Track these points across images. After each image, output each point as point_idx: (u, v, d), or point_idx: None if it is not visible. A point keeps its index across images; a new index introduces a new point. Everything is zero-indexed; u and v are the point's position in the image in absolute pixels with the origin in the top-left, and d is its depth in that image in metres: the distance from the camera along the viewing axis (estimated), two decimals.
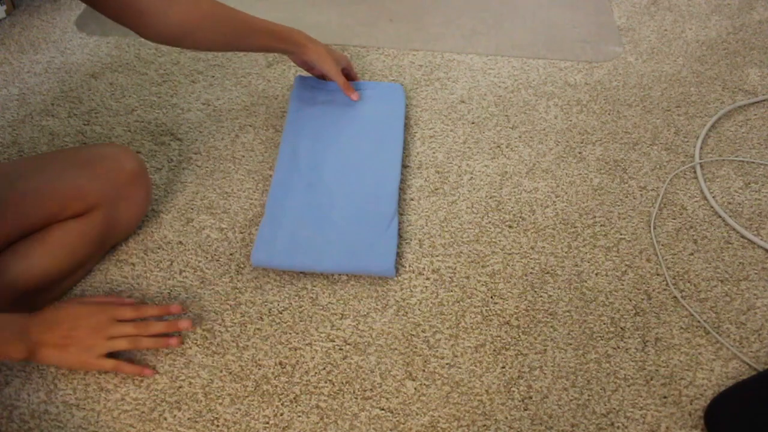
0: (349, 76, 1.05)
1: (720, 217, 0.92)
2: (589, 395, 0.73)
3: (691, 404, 0.72)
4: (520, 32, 1.27)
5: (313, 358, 0.77)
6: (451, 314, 0.81)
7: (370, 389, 0.74)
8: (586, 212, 0.93)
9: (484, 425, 0.71)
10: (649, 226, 0.91)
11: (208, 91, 1.14)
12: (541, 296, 0.83)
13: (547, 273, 0.85)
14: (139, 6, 0.75)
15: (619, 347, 0.77)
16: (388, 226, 0.86)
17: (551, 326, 0.80)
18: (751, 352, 0.77)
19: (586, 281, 0.84)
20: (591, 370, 0.75)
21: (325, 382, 0.75)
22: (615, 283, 0.84)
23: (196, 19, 0.82)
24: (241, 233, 0.90)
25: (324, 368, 0.76)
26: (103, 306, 0.73)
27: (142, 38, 0.81)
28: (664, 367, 0.75)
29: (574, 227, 0.91)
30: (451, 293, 0.83)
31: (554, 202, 0.94)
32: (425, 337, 0.79)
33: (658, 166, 0.99)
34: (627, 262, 0.86)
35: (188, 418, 0.72)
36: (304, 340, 0.78)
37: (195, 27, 0.82)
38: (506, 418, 0.71)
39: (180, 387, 0.74)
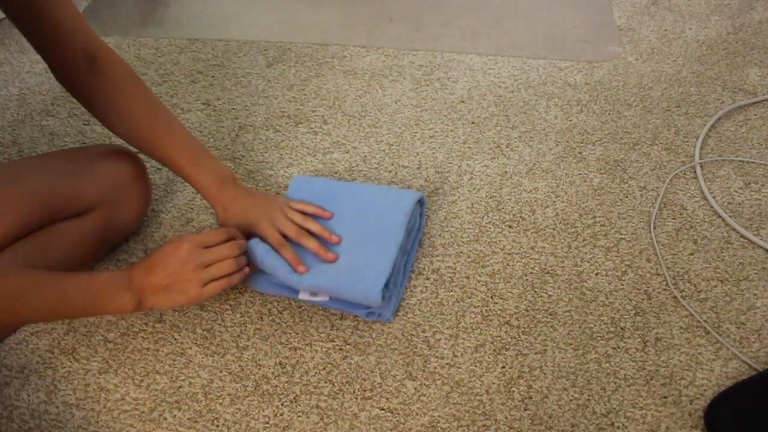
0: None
1: (720, 217, 0.92)
2: (589, 395, 0.73)
3: (691, 404, 0.72)
4: (520, 32, 1.27)
5: (313, 358, 0.77)
6: (451, 314, 0.81)
7: (370, 389, 0.74)
8: (586, 212, 0.93)
9: (484, 425, 0.71)
10: (649, 226, 0.91)
11: (208, 91, 1.14)
12: (541, 296, 0.83)
13: (547, 273, 0.85)
14: (59, 51, 0.72)
15: (619, 347, 0.77)
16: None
17: (551, 326, 0.80)
18: (751, 352, 0.77)
19: (586, 281, 0.84)
20: (591, 370, 0.75)
21: (325, 382, 0.75)
22: (615, 283, 0.84)
23: (114, 91, 0.76)
24: None
25: (324, 368, 0.76)
26: (185, 236, 0.72)
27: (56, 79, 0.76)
28: (664, 367, 0.75)
29: (574, 227, 0.91)
30: (451, 293, 0.83)
31: (554, 202, 0.94)
32: (425, 337, 0.79)
33: (658, 166, 0.99)
34: (627, 262, 0.86)
35: (188, 418, 0.72)
36: (304, 340, 0.78)
37: (106, 102, 0.76)
38: (506, 418, 0.71)
39: (180, 387, 0.74)
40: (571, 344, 0.78)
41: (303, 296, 0.77)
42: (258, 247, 0.77)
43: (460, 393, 0.73)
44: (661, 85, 1.14)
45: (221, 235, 0.73)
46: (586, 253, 0.88)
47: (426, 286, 0.84)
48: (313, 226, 0.80)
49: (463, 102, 1.11)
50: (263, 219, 0.80)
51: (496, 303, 0.82)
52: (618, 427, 0.70)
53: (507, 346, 0.78)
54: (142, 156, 1.00)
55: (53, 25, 0.70)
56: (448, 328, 0.79)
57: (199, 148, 0.81)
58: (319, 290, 0.76)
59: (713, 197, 0.94)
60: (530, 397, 0.73)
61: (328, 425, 0.71)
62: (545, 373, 0.75)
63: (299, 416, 0.72)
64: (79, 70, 0.74)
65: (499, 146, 1.03)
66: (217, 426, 0.71)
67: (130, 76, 0.78)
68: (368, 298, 0.74)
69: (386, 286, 0.76)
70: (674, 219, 0.92)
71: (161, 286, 0.68)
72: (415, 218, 0.86)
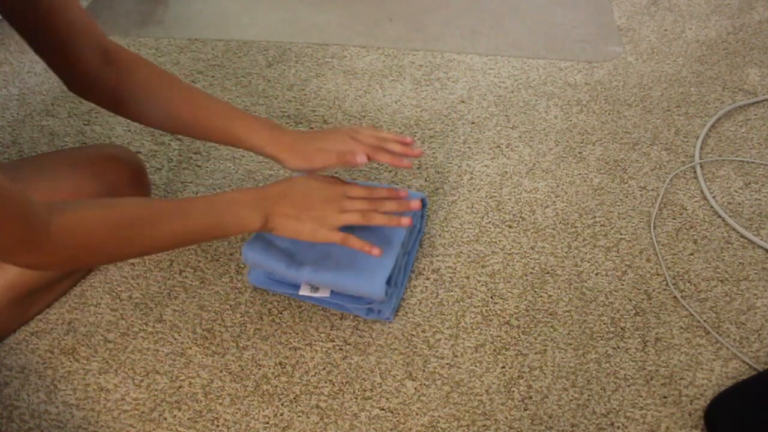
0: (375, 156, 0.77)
1: (720, 217, 0.92)
2: (589, 395, 0.73)
3: (691, 404, 0.72)
4: (520, 32, 1.27)
5: (313, 358, 0.77)
6: (451, 314, 0.81)
7: (370, 389, 0.74)
8: (586, 212, 0.93)
9: (484, 425, 0.71)
10: (649, 226, 0.91)
11: (208, 91, 1.14)
12: (541, 296, 0.83)
13: (547, 273, 0.85)
14: (74, 52, 0.69)
15: (619, 347, 0.77)
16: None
17: (551, 326, 0.80)
18: (751, 352, 0.77)
19: (586, 281, 0.84)
20: (591, 370, 0.75)
21: (325, 382, 0.75)
22: (615, 283, 0.84)
23: (136, 77, 0.74)
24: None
25: (324, 368, 0.76)
26: (334, 180, 0.73)
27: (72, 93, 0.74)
28: (664, 367, 0.75)
29: (574, 227, 0.91)
30: (451, 293, 0.83)
31: (554, 202, 0.94)
32: (425, 337, 0.79)
33: (658, 166, 0.99)
34: (627, 262, 0.86)
35: (188, 418, 0.72)
36: (304, 340, 0.78)
37: (132, 91, 0.74)
38: (506, 418, 0.71)
39: (180, 387, 0.74)
40: (571, 344, 0.78)
41: (303, 292, 0.77)
42: (254, 245, 0.77)
43: (460, 393, 0.73)
44: (661, 85, 1.14)
45: (367, 190, 0.73)
46: (586, 253, 0.88)
47: (426, 286, 0.84)
48: (391, 144, 0.76)
49: (463, 102, 1.11)
50: (341, 137, 0.75)
51: (496, 303, 0.82)
52: (618, 427, 0.70)
53: (507, 346, 0.78)
54: (142, 156, 1.01)
55: (66, 28, 0.68)
56: (448, 328, 0.79)
57: (237, 109, 0.78)
58: (320, 283, 0.76)
59: (713, 197, 0.94)
60: (530, 397, 0.73)
61: (328, 425, 0.71)
62: (545, 373, 0.75)
63: (299, 416, 0.72)
64: (95, 69, 0.72)
65: (499, 146, 1.03)
66: (217, 426, 0.71)
67: (144, 61, 0.76)
68: (371, 290, 0.74)
69: (388, 282, 0.76)
70: (674, 219, 0.92)
71: (292, 214, 0.68)
72: (417, 219, 0.86)
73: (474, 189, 0.96)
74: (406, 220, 0.72)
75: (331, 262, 0.76)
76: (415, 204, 0.75)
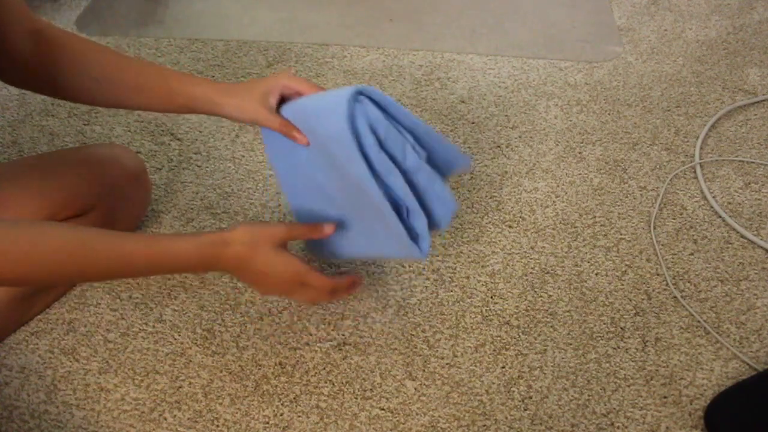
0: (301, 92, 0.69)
1: (720, 217, 0.92)
2: (589, 395, 0.73)
3: (691, 404, 0.72)
4: (520, 32, 1.27)
5: (313, 358, 0.77)
6: (451, 314, 0.81)
7: (370, 389, 0.74)
8: (586, 212, 0.93)
9: (484, 425, 0.71)
10: (649, 226, 0.91)
11: None
12: (541, 296, 0.83)
13: (547, 273, 0.85)
14: (4, 38, 0.63)
15: (619, 347, 0.77)
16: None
17: (551, 326, 0.80)
18: (751, 352, 0.77)
19: (586, 281, 0.84)
20: (591, 370, 0.75)
21: (325, 382, 0.75)
22: (615, 283, 0.84)
23: (70, 52, 0.68)
24: None
25: (324, 368, 0.76)
26: (298, 272, 0.66)
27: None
28: (664, 367, 0.75)
29: (574, 227, 0.91)
30: (451, 293, 0.83)
31: (554, 202, 0.94)
32: (425, 337, 0.79)
33: (658, 166, 0.99)
34: (627, 262, 0.86)
35: (188, 418, 0.72)
36: (303, 340, 0.78)
37: (69, 66, 0.68)
38: (506, 418, 0.71)
39: (180, 387, 0.74)
40: (571, 344, 0.78)
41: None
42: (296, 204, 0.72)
43: (460, 393, 0.73)
44: (661, 85, 1.14)
45: (332, 282, 0.69)
46: (586, 253, 0.88)
47: (426, 286, 0.84)
48: None
49: (463, 102, 1.11)
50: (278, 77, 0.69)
51: (496, 303, 0.82)
52: (618, 427, 0.70)
53: (507, 346, 0.78)
54: (142, 156, 1.01)
55: None
56: (448, 328, 0.79)
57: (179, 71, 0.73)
58: (354, 254, 0.72)
59: (713, 197, 0.94)
60: (530, 397, 0.73)
61: (328, 425, 0.71)
62: (545, 373, 0.75)
63: (299, 416, 0.72)
64: (28, 53, 0.66)
65: (499, 146, 1.03)
66: (217, 426, 0.71)
67: (76, 36, 0.70)
68: (412, 254, 0.65)
69: (408, 226, 0.65)
70: (674, 219, 0.92)
71: (244, 278, 0.67)
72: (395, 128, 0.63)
73: (474, 189, 0.96)
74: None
75: (360, 222, 0.69)
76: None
